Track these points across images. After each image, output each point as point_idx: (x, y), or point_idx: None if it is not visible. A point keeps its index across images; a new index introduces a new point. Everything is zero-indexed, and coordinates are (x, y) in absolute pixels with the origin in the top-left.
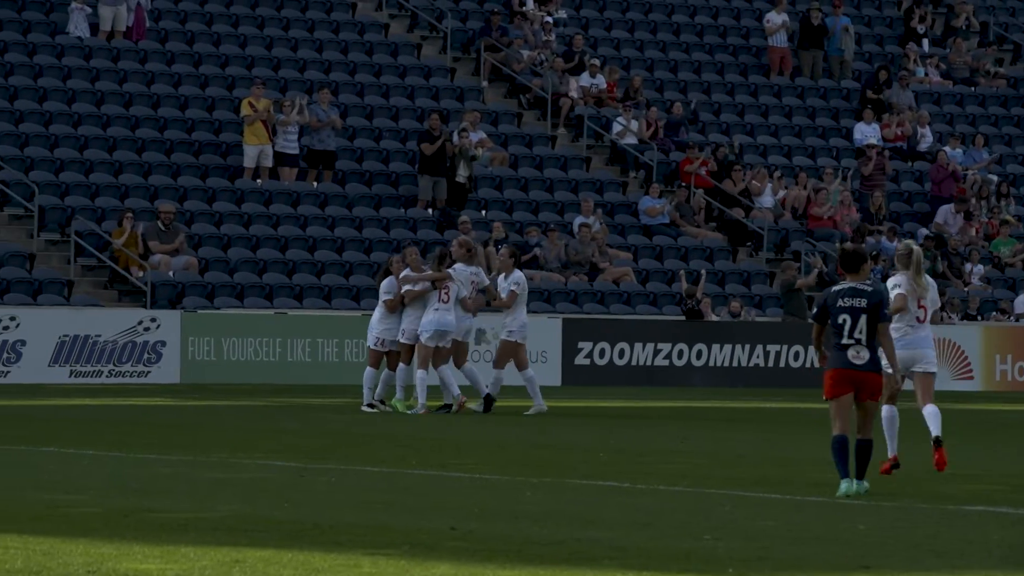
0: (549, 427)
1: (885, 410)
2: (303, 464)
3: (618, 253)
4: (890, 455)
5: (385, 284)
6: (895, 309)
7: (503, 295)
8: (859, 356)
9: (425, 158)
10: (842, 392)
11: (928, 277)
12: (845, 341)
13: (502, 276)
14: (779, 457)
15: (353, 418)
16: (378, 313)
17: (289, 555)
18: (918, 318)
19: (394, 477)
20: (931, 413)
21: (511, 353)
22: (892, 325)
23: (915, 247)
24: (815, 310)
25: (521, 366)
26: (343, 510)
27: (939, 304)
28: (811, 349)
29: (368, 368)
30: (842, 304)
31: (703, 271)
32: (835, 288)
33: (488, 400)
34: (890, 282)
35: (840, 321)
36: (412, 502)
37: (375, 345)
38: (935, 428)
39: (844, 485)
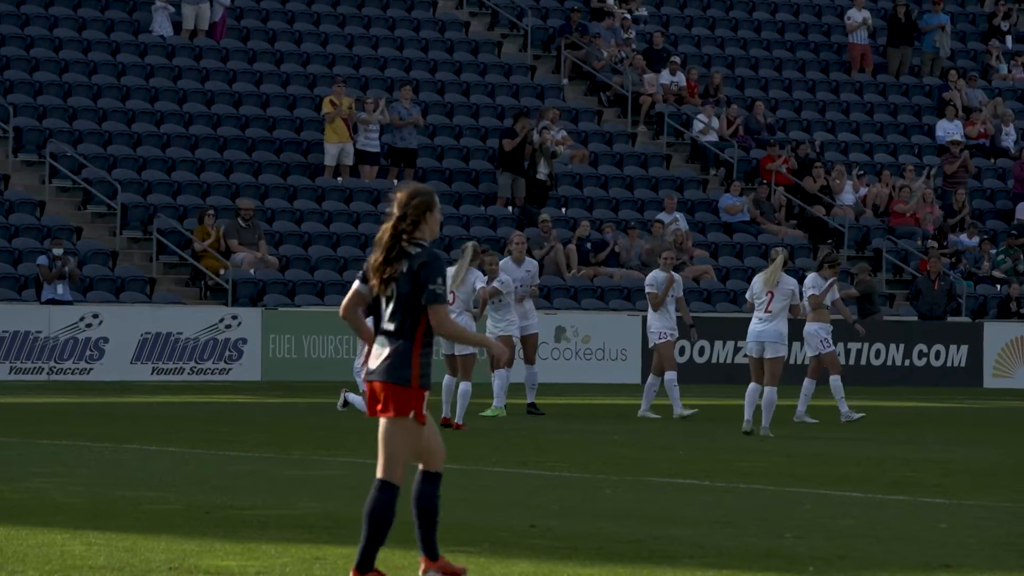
0: (629, 425)
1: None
2: None
3: (696, 250)
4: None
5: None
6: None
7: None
8: None
9: (504, 155)
10: None
11: (473, 270)
12: None
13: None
14: (860, 456)
15: (433, 417)
16: None
17: None
18: (448, 302)
19: (474, 475)
20: (463, 392)
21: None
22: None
23: (471, 244)
24: None
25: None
26: None
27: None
28: (892, 347)
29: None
30: None
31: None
32: None
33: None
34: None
35: None
36: (492, 500)
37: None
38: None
39: None
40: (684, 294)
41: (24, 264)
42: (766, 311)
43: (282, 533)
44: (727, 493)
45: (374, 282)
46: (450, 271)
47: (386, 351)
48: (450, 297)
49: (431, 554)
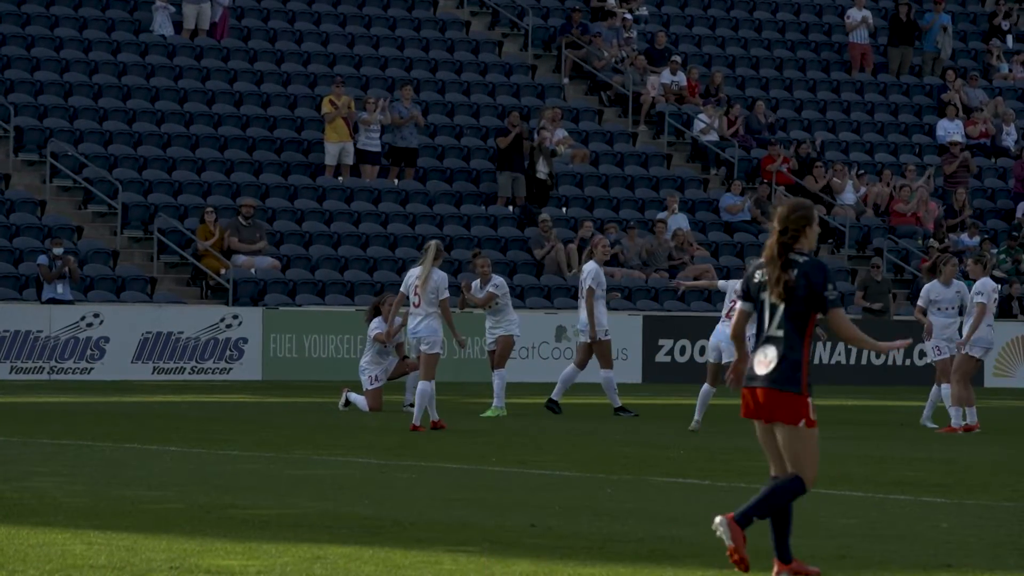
0: (629, 424)
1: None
2: (383, 461)
3: (697, 250)
4: None
5: (375, 323)
6: (398, 300)
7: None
8: None
9: (503, 154)
10: None
11: (437, 270)
12: None
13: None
14: (861, 455)
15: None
16: (369, 354)
17: (370, 551)
18: (415, 303)
19: (474, 474)
20: (422, 391)
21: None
22: (415, 310)
23: (433, 243)
24: None
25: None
26: (423, 507)
27: (438, 291)
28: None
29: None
30: None
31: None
32: None
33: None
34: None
35: None
36: (492, 499)
37: (370, 384)
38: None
39: None
40: (686, 293)
41: (25, 264)
42: (727, 315)
43: (282, 532)
44: (727, 493)
45: (777, 290)
46: (415, 271)
47: (775, 358)
48: (415, 299)
49: (784, 557)
